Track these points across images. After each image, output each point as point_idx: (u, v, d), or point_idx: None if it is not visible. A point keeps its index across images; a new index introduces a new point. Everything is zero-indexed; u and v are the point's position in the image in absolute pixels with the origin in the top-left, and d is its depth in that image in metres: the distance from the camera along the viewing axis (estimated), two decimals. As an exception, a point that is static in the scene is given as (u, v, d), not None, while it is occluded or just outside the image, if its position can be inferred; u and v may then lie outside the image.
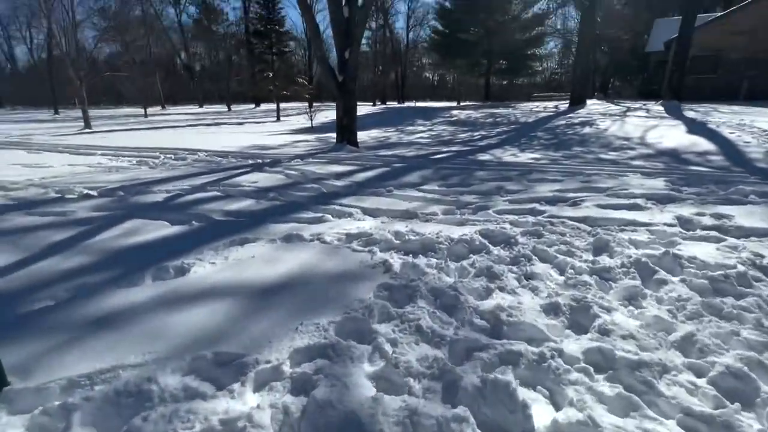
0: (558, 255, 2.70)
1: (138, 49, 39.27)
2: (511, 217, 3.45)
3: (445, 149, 7.82)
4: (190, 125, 17.02)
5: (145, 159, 7.29)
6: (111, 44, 41.40)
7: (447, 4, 26.96)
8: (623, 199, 3.93)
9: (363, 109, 24.74)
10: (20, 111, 35.59)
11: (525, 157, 6.85)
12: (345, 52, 7.36)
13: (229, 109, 32.01)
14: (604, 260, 2.61)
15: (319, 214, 3.62)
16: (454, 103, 34.84)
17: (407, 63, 47.48)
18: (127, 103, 32.37)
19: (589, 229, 3.15)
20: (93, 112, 29.57)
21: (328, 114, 21.40)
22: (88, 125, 14.10)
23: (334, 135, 8.90)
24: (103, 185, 4.80)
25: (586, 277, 2.37)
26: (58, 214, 3.59)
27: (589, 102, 16.70)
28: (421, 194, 4.35)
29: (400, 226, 3.27)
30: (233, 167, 6.09)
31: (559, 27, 33.62)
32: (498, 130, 10.87)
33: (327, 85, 7.51)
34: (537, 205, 3.78)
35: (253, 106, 36.03)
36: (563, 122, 11.14)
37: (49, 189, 4.66)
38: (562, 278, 2.41)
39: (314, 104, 33.47)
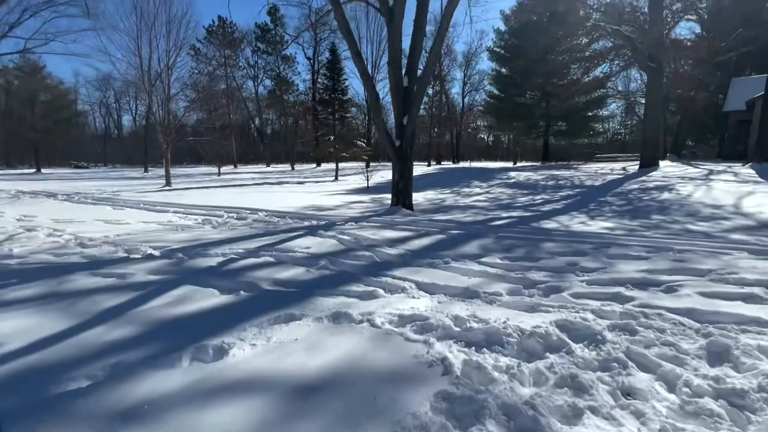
0: (662, 362, 2.16)
1: (219, 116, 44.37)
2: (593, 304, 2.94)
3: (505, 215, 7.40)
4: (257, 184, 18.21)
5: (210, 218, 7.66)
6: (198, 112, 47.22)
7: (503, 70, 27.72)
8: (734, 286, 3.25)
9: (418, 169, 25.22)
10: (119, 168, 40.87)
11: (597, 226, 6.23)
12: (403, 119, 7.50)
13: (293, 169, 34.24)
14: (730, 376, 2.02)
15: (371, 288, 3.36)
16: (511, 164, 34.46)
17: (462, 125, 48.64)
18: (205, 162, 35.78)
19: (696, 326, 2.56)
20: (175, 171, 33.16)
21: (384, 174, 22.02)
22: (168, 183, 15.59)
23: (389, 196, 8.91)
24: (167, 245, 4.98)
25: (709, 402, 1.81)
26: (118, 277, 3.67)
27: (662, 164, 15.53)
28: (481, 268, 3.96)
29: (460, 309, 2.89)
30: (289, 229, 6.13)
31: (621, 88, 33.03)
32: (562, 193, 10.27)
33: (385, 148, 7.59)
34: (622, 290, 3.22)
35: (314, 165, 38.33)
36: (636, 186, 10.30)
37: (120, 248, 4.91)
38: (676, 399, 1.86)
39: (371, 164, 34.82)
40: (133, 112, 53.16)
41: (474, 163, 38.68)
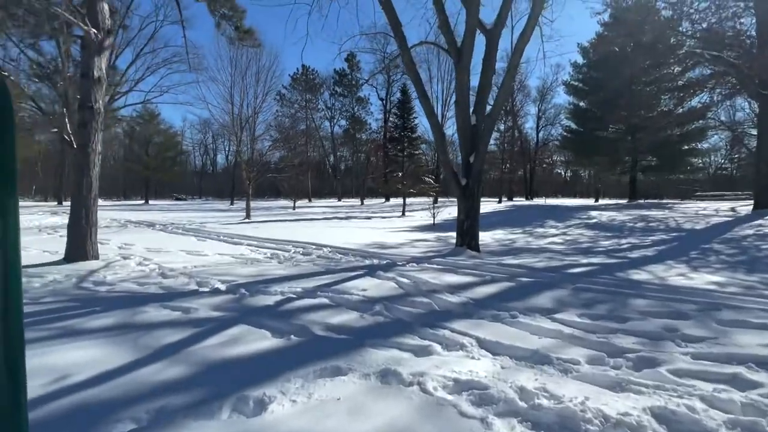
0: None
1: (298, 154, 47.86)
2: (702, 388, 2.35)
3: (585, 261, 6.64)
4: (326, 218, 18.91)
5: (278, 252, 7.96)
6: (280, 150, 51.36)
7: (581, 104, 26.34)
8: None
9: (488, 206, 24.38)
10: (210, 201, 45.50)
11: (702, 280, 5.27)
12: (470, 157, 7.27)
13: (362, 203, 35.25)
14: None
15: (426, 342, 3.08)
16: (591, 201, 31.90)
17: (537, 160, 46.69)
18: (283, 196, 38.19)
19: None
20: (256, 204, 36.04)
21: (451, 211, 21.59)
22: (248, 216, 16.84)
23: (454, 234, 8.56)
24: (233, 279, 5.19)
25: None
26: (184, 311, 3.83)
27: (784, 205, 13.15)
28: (555, 326, 3.47)
29: (527, 378, 2.49)
30: (349, 268, 6.09)
31: (723, 118, 29.27)
32: (654, 238, 9.07)
33: (451, 186, 7.38)
34: (743, 371, 2.56)
35: (383, 200, 39.13)
36: (750, 231, 8.74)
37: (193, 279, 5.22)
38: None
39: (439, 200, 34.53)
40: (226, 150, 59.65)
41: (549, 200, 36.51)
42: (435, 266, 6.17)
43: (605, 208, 17.89)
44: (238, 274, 5.66)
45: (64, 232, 6.76)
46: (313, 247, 8.67)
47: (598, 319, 3.67)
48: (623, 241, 8.84)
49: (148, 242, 9.22)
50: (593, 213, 14.71)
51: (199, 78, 17.78)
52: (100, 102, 6.60)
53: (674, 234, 9.32)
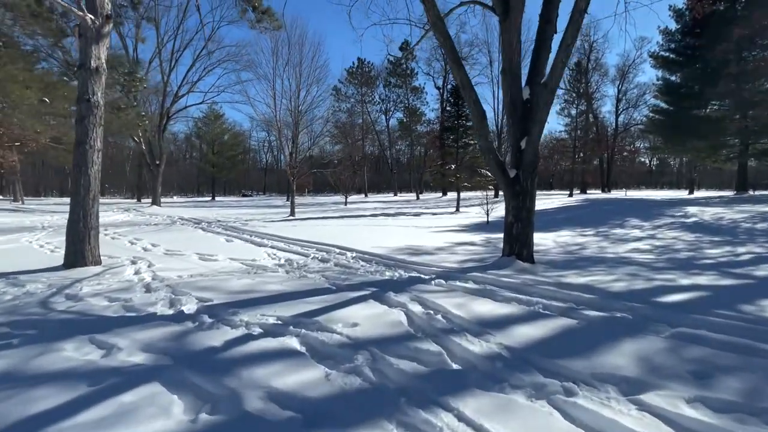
0: None
1: (355, 148, 47.67)
2: None
3: (686, 282, 4.74)
4: (374, 215, 17.90)
5: (294, 258, 7.03)
6: (333, 144, 51.77)
7: (674, 78, 22.28)
8: None
9: (555, 200, 21.65)
10: (272, 197, 47.12)
11: None
12: (521, 142, 5.66)
13: (418, 198, 33.89)
14: None
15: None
16: (684, 193, 27.25)
17: (616, 148, 41.63)
18: (339, 192, 38.12)
19: None
20: (308, 200, 36.38)
21: (511, 206, 19.47)
22: (292, 213, 16.39)
23: None
24: (212, 298, 4.27)
25: None
26: (106, 350, 2.92)
27: None
28: (645, 417, 1.97)
29: None
30: (357, 285, 4.89)
31: None
32: (787, 245, 6.65)
33: (498, 180, 5.85)
34: None
35: (440, 195, 37.37)
36: None
37: (169, 296, 4.40)
38: None
39: (500, 194, 31.95)
40: (289, 147, 61.56)
41: (630, 193, 32.06)
42: (468, 285, 4.73)
43: (706, 202, 14.66)
44: (227, 288, 4.75)
45: (113, 230, 6.41)
46: (337, 251, 7.63)
47: (729, 409, 2.07)
48: (741, 249, 6.55)
49: (174, 243, 8.84)
50: (691, 209, 11.91)
51: (247, 77, 17.55)
52: (99, 94, 6.06)
53: (819, 240, 6.79)
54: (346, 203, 27.01)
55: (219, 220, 15.37)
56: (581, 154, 35.84)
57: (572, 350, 2.85)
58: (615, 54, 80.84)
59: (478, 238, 9.10)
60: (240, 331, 3.29)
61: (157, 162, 23.69)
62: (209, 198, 40.82)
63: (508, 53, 5.56)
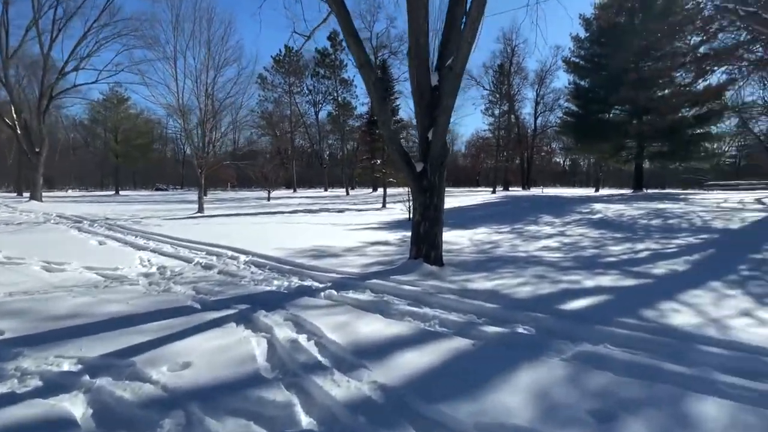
0: None
1: (284, 140, 45.48)
2: None
3: (591, 283, 4.52)
4: (295, 211, 16.75)
5: (171, 265, 5.85)
6: (267, 135, 49.04)
7: (583, 83, 23.94)
8: None
9: (479, 197, 22.20)
10: (189, 191, 43.16)
11: (786, 326, 3.18)
12: (428, 132, 5.10)
13: (347, 194, 33.08)
14: None
15: None
16: (591, 191, 29.69)
17: (534, 148, 44.44)
18: (262, 187, 35.95)
19: None
20: (229, 195, 33.84)
21: (437, 202, 19.47)
22: (201, 209, 14.67)
23: None
24: (20, 325, 3.11)
25: None
26: None
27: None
28: None
29: None
30: (226, 303, 3.97)
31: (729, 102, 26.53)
32: (679, 241, 6.95)
33: (404, 174, 5.26)
34: None
35: (371, 190, 36.92)
36: (807, 233, 6.63)
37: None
38: None
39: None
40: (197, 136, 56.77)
41: (547, 190, 34.32)
42: (362, 296, 4.05)
43: (609, 199, 15.76)
44: (46, 313, 3.56)
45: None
46: (230, 254, 6.57)
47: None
48: (639, 246, 6.71)
49: (21, 248, 7.06)
50: (597, 206, 12.57)
51: (148, 56, 15.28)
52: None
53: (704, 236, 7.20)
54: (269, 199, 25.35)
55: (108, 218, 13.20)
56: (504, 153, 37.63)
57: (461, 386, 2.26)
58: (535, 60, 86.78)
59: (394, 236, 8.55)
60: (2, 388, 2.24)
61: (37, 150, 20.01)
62: (113, 192, 36.11)
63: (415, 32, 4.95)
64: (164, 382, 2.29)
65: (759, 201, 12.36)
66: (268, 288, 4.48)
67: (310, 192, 40.48)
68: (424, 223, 5.20)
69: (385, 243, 7.71)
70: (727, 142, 40.64)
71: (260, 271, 5.48)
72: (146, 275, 5.20)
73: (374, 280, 4.65)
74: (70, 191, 39.01)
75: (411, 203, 12.04)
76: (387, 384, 2.28)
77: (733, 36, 13.53)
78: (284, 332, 3.04)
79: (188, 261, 6.20)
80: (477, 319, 3.45)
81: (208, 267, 5.76)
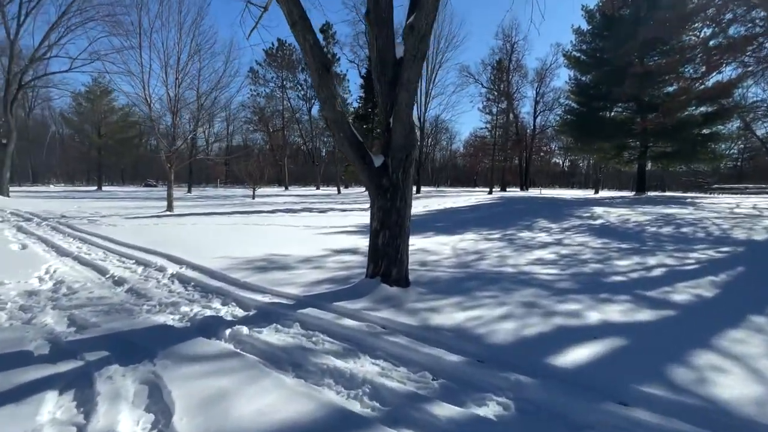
0: None
1: (276, 136, 44.27)
2: None
3: (595, 316, 3.43)
4: (274, 210, 15.62)
5: (72, 279, 4.74)
6: (260, 131, 47.80)
7: (585, 79, 22.81)
8: None
9: (473, 197, 21.08)
10: (180, 187, 41.95)
11: None
12: (390, 118, 3.99)
13: (339, 192, 31.95)
14: None
15: None
16: (590, 193, 28.60)
17: (533, 148, 43.37)
18: (248, 184, 34.69)
19: None
20: (214, 192, 32.57)
21: (427, 203, 18.36)
22: (170, 207, 13.54)
23: (410, 242, 5.31)
24: None
25: None
26: None
27: None
28: None
29: None
30: (87, 345, 2.86)
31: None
32: (697, 255, 5.85)
33: (357, 170, 4.16)
34: None
35: (363, 189, 35.78)
36: None
37: None
38: None
39: (422, 189, 31.23)
40: (206, 135, 55.30)
41: (545, 191, 33.22)
42: (278, 339, 2.95)
43: (611, 202, 14.67)
44: None
45: None
46: (160, 264, 5.46)
47: None
48: (651, 260, 5.61)
49: None
50: (597, 210, 11.46)
51: (132, 43, 14.06)
52: None
53: (726, 249, 6.10)
54: (253, 197, 24.19)
55: (64, 216, 12.06)
56: (502, 153, 36.50)
57: None
58: (534, 58, 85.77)
59: (366, 243, 7.41)
60: None
61: (4, 142, 18.79)
62: (95, 188, 34.81)
63: (373, -12, 3.83)
64: None
65: (775, 206, 11.27)
66: (163, 319, 3.37)
67: (302, 190, 39.35)
68: (384, 232, 4.09)
69: (353, 251, 6.59)
70: (730, 145, 39.63)
71: (179, 290, 4.38)
72: (30, 294, 4.08)
73: (310, 309, 3.54)
74: (52, 186, 37.70)
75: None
76: None
77: (745, 28, 12.49)
78: (113, 413, 1.93)
79: (103, 273, 5.09)
80: (430, 380, 2.36)
81: (119, 283, 4.65)
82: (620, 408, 2.05)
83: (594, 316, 3.42)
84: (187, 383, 2.20)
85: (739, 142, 39.41)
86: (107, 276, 4.94)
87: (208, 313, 3.56)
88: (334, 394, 2.20)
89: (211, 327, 3.16)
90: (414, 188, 22.98)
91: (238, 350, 2.74)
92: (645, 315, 3.47)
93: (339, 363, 2.52)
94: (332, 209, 16.76)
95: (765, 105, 21.21)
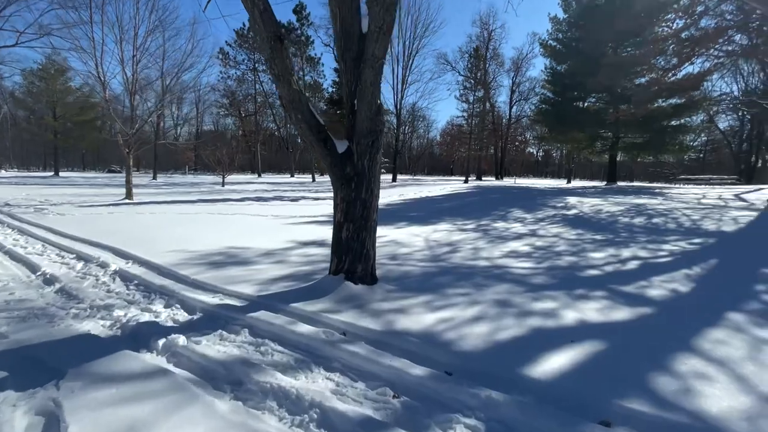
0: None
1: (248, 122, 42.78)
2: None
3: (571, 316, 3.23)
4: (243, 198, 14.96)
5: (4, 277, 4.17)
6: (231, 116, 46.12)
7: (560, 68, 22.87)
8: None
9: (448, 186, 20.95)
10: (145, 174, 40.07)
11: None
12: (355, 100, 3.60)
13: (313, 180, 31.23)
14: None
15: None
16: (563, 182, 29.06)
17: (508, 138, 43.71)
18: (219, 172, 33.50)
19: None
20: (182, 179, 31.08)
21: (403, 192, 18.07)
22: (129, 195, 12.66)
23: (381, 233, 5.01)
24: None
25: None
26: None
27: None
28: None
29: None
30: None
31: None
32: (670, 246, 5.80)
33: (318, 156, 3.76)
34: None
35: (339, 177, 35.06)
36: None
37: None
38: None
39: (399, 177, 30.96)
40: (174, 118, 52.65)
41: (520, 181, 33.55)
42: (218, 351, 2.58)
43: (583, 192, 14.81)
44: None
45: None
46: (103, 259, 4.92)
47: None
48: (625, 252, 5.51)
49: None
50: (571, 200, 11.48)
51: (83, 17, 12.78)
52: None
53: (698, 240, 6.09)
54: (223, 184, 23.24)
55: (8, 204, 11.08)
56: (478, 142, 36.56)
57: None
58: (511, 47, 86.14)
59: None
60: None
61: (-57, 121, 17.07)
62: (50, 174, 32.60)
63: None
64: None
65: (738, 197, 11.61)
66: (89, 327, 2.92)
67: (276, 177, 38.29)
68: (348, 225, 3.73)
69: (320, 244, 6.21)
70: (695, 137, 41.13)
71: (119, 289, 3.91)
72: (-64, 297, 3.52)
73: (262, 312, 3.17)
74: (3, 171, 35.11)
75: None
76: None
77: (715, 22, 12.64)
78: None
79: (34, 270, 4.54)
80: (390, 399, 2.05)
81: (49, 281, 4.12)
82: (603, 430, 1.81)
83: (570, 316, 3.21)
84: (92, 414, 1.81)
85: (703, 135, 40.93)
86: (38, 274, 4.39)
87: (145, 318, 3.13)
88: (276, 421, 1.86)
89: (143, 336, 2.75)
90: (390, 177, 22.90)
91: (169, 366, 2.35)
92: (622, 313, 3.29)
93: (286, 381, 2.18)
94: (305, 198, 16.22)
95: (728, 98, 21.88)
